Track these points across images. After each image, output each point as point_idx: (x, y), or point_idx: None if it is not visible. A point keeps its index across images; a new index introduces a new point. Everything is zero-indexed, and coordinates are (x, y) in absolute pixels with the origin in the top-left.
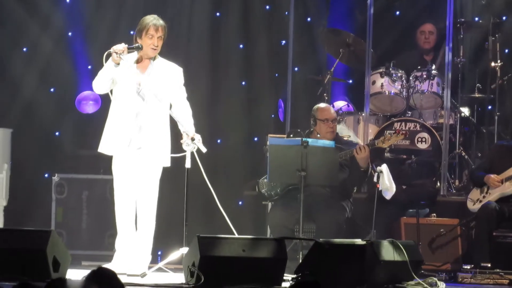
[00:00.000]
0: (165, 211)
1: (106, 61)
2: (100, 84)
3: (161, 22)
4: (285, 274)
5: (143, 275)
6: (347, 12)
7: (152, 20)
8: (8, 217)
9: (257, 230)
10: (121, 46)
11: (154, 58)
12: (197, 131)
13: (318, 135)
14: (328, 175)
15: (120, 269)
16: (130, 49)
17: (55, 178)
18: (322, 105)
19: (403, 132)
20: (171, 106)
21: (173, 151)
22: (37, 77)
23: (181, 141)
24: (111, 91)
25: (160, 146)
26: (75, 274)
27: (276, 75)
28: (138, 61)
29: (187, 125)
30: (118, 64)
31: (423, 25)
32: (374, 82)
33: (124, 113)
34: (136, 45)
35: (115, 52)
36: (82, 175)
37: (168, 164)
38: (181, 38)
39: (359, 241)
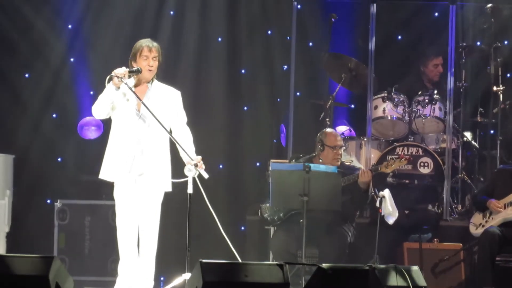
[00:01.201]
0: (168, 236)
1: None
2: (100, 108)
3: (154, 43)
4: None
5: None
6: (349, 36)
7: (145, 42)
8: (11, 243)
9: (260, 255)
10: (122, 70)
11: (151, 82)
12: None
13: (321, 160)
14: (331, 200)
15: None
16: (131, 73)
17: (58, 204)
18: (330, 130)
19: (406, 157)
20: (171, 131)
21: (173, 176)
22: (40, 103)
23: (187, 162)
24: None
25: (161, 171)
26: None
27: (278, 100)
28: (135, 85)
29: (188, 150)
30: (119, 88)
31: (437, 58)
32: (376, 107)
33: (125, 139)
34: (136, 68)
35: (116, 76)
36: (84, 200)
37: (169, 189)
38: (182, 63)
39: (361, 266)
